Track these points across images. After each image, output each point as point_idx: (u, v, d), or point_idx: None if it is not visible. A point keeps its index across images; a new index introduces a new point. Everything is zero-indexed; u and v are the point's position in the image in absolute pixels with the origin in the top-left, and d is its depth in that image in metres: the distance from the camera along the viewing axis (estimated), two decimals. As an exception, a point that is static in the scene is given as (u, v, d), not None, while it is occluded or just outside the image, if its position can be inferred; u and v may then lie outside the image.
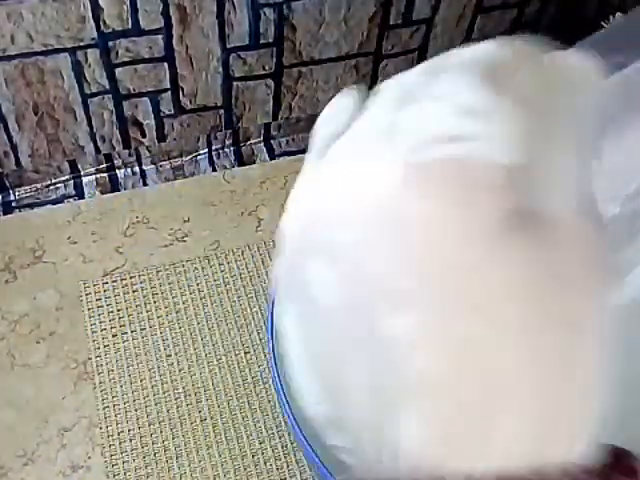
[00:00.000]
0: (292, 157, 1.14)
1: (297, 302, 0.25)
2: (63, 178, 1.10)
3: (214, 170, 1.14)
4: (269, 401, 0.87)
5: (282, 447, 0.83)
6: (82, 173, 1.11)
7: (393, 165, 0.22)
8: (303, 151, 1.23)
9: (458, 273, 0.20)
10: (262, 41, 1.02)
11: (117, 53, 0.96)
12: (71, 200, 1.08)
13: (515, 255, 0.20)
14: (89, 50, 0.94)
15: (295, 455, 0.82)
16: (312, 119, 1.19)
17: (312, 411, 0.25)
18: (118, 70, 0.98)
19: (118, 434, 0.84)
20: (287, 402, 0.61)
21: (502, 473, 0.20)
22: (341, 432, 0.24)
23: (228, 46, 1.01)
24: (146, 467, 0.82)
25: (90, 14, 0.91)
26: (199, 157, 1.15)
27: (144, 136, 1.09)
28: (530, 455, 0.20)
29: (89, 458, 0.82)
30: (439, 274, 0.21)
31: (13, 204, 1.08)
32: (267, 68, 1.06)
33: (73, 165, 1.09)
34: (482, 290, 0.20)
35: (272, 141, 1.18)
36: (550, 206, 0.22)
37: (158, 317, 0.94)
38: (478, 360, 0.20)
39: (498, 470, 0.20)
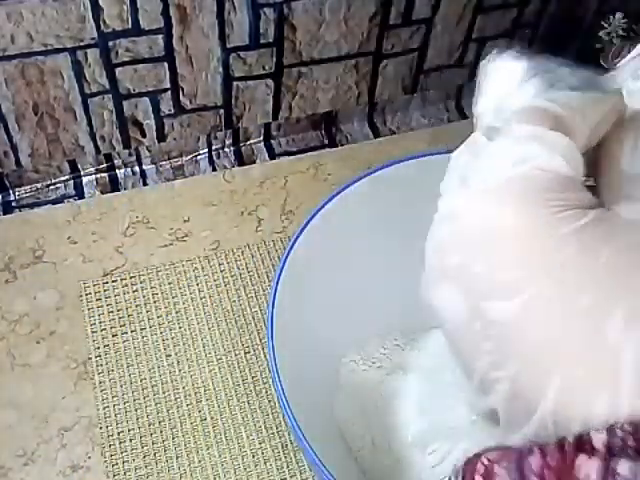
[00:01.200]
0: (292, 157, 1.15)
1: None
2: (63, 178, 1.10)
3: (214, 170, 1.14)
4: (269, 401, 0.87)
5: (282, 447, 0.83)
6: (82, 173, 1.11)
7: (476, 196, 0.29)
8: (303, 151, 1.24)
9: (556, 265, 0.26)
10: (262, 41, 1.02)
11: (117, 53, 0.96)
12: (71, 200, 1.08)
13: (599, 247, 0.25)
14: (89, 50, 0.95)
15: (295, 455, 0.82)
16: (312, 119, 1.19)
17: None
18: (118, 70, 0.98)
19: (118, 434, 0.84)
20: (287, 402, 0.61)
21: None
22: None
23: (228, 46, 1.01)
24: (146, 467, 0.82)
25: (90, 14, 0.91)
26: (199, 157, 1.15)
27: (144, 136, 1.09)
28: None
29: (89, 458, 0.82)
30: (540, 267, 0.26)
31: (13, 204, 1.08)
32: (267, 68, 1.06)
33: (73, 165, 1.09)
34: (574, 276, 0.25)
35: (272, 141, 1.18)
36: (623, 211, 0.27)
37: (158, 317, 0.94)
38: (585, 326, 0.25)
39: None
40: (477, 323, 0.28)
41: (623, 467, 0.23)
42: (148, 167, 1.13)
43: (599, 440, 0.25)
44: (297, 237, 0.74)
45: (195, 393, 0.88)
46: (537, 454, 0.26)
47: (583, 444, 0.25)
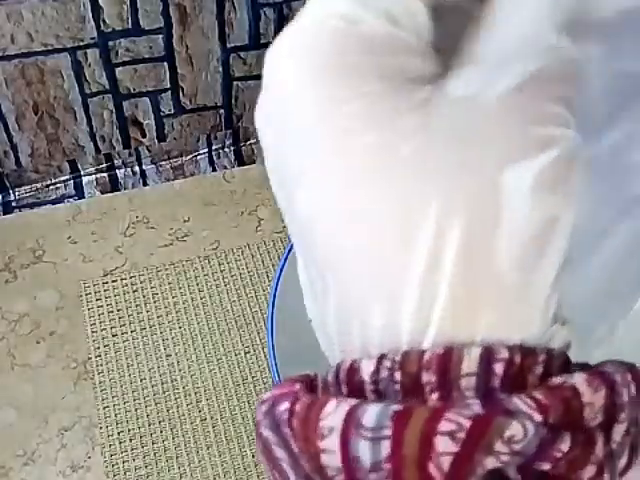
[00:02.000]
0: (292, 157, 1.14)
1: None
2: (63, 178, 1.10)
3: (214, 170, 1.14)
4: (269, 401, 0.86)
5: (282, 447, 0.83)
6: (82, 173, 1.11)
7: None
8: (303, 151, 1.24)
9: (345, 153, 0.20)
10: (262, 41, 1.02)
11: (117, 53, 0.96)
12: (71, 200, 1.08)
13: (401, 136, 0.19)
14: (89, 50, 0.95)
15: (295, 455, 0.82)
16: (312, 119, 1.18)
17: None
18: (118, 70, 0.98)
19: (118, 434, 0.84)
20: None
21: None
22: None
23: (228, 46, 1.01)
24: (146, 467, 0.82)
25: (90, 14, 0.91)
26: (199, 157, 1.15)
27: (144, 136, 1.09)
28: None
29: (89, 458, 0.82)
30: (331, 153, 0.20)
31: (13, 204, 1.08)
32: (267, 68, 1.06)
33: (73, 165, 1.09)
34: (371, 166, 0.19)
35: (272, 141, 1.17)
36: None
37: (158, 317, 0.94)
38: (366, 225, 0.20)
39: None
40: (287, 217, 0.22)
41: (369, 416, 0.17)
42: (148, 167, 1.13)
43: (367, 371, 0.19)
44: (297, 237, 0.74)
45: (195, 393, 0.88)
46: (290, 395, 0.20)
47: (352, 377, 0.19)
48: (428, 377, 0.18)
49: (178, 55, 0.99)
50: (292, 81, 0.20)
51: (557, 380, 0.18)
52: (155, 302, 0.96)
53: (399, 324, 0.19)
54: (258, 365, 0.90)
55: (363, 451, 0.17)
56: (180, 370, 0.90)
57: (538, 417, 0.17)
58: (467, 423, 0.17)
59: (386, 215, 0.19)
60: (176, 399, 0.88)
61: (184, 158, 1.15)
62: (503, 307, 0.19)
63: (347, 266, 0.20)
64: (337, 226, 0.20)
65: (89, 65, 0.96)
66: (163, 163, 1.14)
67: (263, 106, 0.21)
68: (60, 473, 0.81)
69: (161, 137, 1.10)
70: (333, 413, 0.18)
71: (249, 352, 0.92)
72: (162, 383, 0.89)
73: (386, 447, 0.17)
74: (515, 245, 0.19)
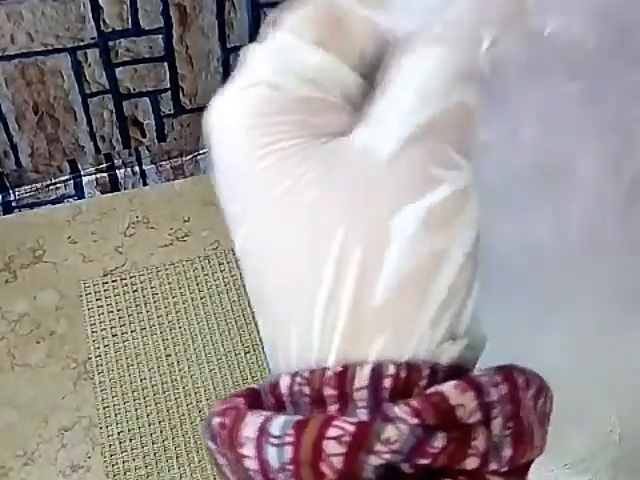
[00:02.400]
0: (292, 157, 1.15)
1: None
2: (63, 178, 1.10)
3: (214, 170, 1.14)
4: (269, 401, 0.87)
5: (282, 447, 0.83)
6: (82, 173, 1.11)
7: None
8: (303, 151, 1.23)
9: (267, 199, 0.23)
10: (262, 41, 1.02)
11: (117, 53, 0.96)
12: (71, 200, 1.08)
13: (310, 183, 0.23)
14: (89, 50, 0.95)
15: (295, 455, 0.82)
16: (312, 119, 1.18)
17: None
18: (118, 70, 0.98)
19: (118, 434, 0.84)
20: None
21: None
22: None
23: (228, 46, 1.01)
24: (146, 467, 0.82)
25: (90, 14, 0.91)
26: (199, 157, 1.15)
27: (144, 136, 1.09)
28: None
29: (89, 458, 0.82)
30: (253, 202, 0.24)
31: (13, 204, 1.08)
32: (267, 68, 1.06)
33: (73, 165, 1.09)
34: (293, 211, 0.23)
35: (272, 141, 1.18)
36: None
37: (158, 317, 0.94)
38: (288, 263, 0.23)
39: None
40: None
41: (276, 426, 0.21)
42: (148, 167, 1.13)
43: (284, 385, 0.23)
44: (297, 237, 0.74)
45: (195, 393, 0.88)
46: (223, 411, 0.23)
47: (274, 391, 0.23)
48: (329, 391, 0.22)
49: (178, 55, 0.99)
50: (227, 138, 0.24)
51: (431, 389, 0.21)
52: (155, 302, 0.96)
53: (310, 344, 0.22)
54: (258, 365, 0.90)
55: (272, 455, 0.21)
56: (180, 370, 0.90)
57: (414, 420, 0.20)
58: (351, 428, 0.20)
59: (298, 251, 0.23)
60: (176, 399, 0.88)
61: (184, 158, 1.15)
62: (392, 331, 0.22)
63: (270, 297, 0.24)
64: (260, 262, 0.24)
65: (89, 65, 0.96)
66: (163, 163, 1.14)
67: (211, 156, 0.25)
68: (60, 473, 0.81)
69: (161, 137, 1.11)
70: (250, 425, 0.22)
71: (249, 352, 0.92)
72: (162, 383, 0.89)
73: (288, 451, 0.21)
74: (398, 278, 0.22)
